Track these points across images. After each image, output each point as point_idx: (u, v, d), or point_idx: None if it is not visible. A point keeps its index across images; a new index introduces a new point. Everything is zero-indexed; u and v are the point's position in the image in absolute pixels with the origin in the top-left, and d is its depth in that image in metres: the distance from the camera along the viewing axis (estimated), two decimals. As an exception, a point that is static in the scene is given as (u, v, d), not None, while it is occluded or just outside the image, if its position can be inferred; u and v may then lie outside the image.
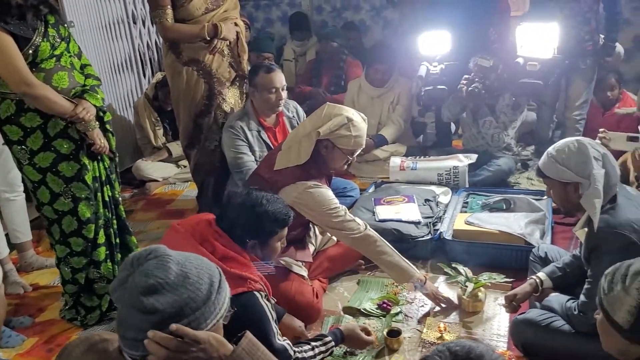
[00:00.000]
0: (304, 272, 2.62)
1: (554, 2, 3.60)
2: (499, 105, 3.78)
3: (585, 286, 2.04)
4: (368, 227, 2.49)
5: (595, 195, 2.01)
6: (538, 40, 3.33)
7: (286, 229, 2.05)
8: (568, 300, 2.16)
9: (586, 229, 2.08)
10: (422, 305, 2.63)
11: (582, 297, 2.05)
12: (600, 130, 3.06)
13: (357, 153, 2.57)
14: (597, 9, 3.66)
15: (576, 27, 3.61)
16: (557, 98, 4.11)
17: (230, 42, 3.22)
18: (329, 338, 2.11)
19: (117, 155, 2.69)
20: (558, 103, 4.18)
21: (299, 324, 2.34)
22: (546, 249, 2.60)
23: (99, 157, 2.56)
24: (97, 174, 2.56)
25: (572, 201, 2.12)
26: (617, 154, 2.90)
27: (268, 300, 1.97)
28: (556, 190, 2.16)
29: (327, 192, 2.47)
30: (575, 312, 2.06)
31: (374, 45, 4.64)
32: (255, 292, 1.88)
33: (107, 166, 2.61)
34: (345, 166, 2.60)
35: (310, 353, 2.01)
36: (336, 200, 2.49)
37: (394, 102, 4.18)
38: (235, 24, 3.22)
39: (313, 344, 2.05)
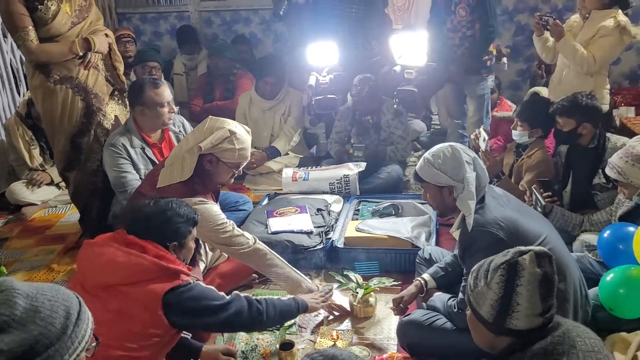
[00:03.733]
0: (194, 291, 2.54)
1: (439, 19, 3.74)
2: (383, 121, 3.90)
3: (462, 284, 2.14)
4: (257, 241, 2.47)
5: (469, 197, 2.13)
6: (412, 49, 3.49)
7: (196, 229, 2.12)
8: (449, 298, 2.26)
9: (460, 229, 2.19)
10: (316, 315, 2.63)
11: (460, 295, 2.15)
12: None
13: (243, 166, 2.53)
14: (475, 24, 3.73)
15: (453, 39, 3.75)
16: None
17: (103, 55, 3.08)
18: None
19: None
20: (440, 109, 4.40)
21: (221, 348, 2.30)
22: (430, 250, 2.71)
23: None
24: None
25: (448, 204, 2.23)
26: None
27: None
28: (432, 193, 2.26)
29: (214, 208, 2.42)
30: (455, 310, 2.16)
31: (263, 58, 4.66)
32: (190, 281, 1.96)
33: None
34: (232, 180, 2.56)
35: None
36: (223, 216, 2.44)
37: (286, 114, 4.20)
38: (106, 35, 3.08)
39: None
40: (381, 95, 3.89)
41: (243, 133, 2.46)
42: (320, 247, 3.01)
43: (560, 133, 2.97)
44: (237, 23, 5.66)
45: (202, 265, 2.69)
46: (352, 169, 3.67)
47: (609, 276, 2.28)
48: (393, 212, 3.33)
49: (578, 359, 1.37)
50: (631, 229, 2.34)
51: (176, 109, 4.39)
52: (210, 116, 2.51)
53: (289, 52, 4.53)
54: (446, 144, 2.28)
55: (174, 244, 2.01)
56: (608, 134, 2.97)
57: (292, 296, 2.35)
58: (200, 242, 2.69)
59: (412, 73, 3.57)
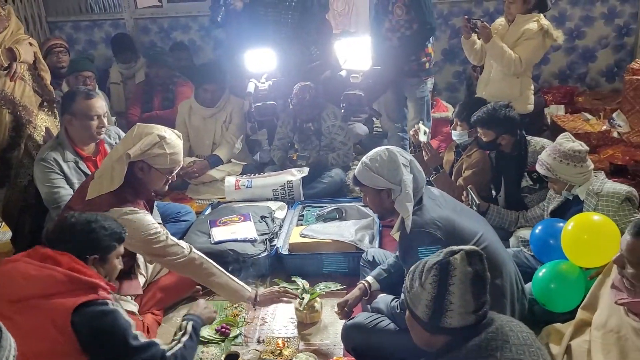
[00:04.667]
0: (134, 307, 2.47)
1: (379, 20, 3.78)
2: (324, 127, 3.91)
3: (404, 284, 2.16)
4: (193, 250, 2.41)
5: (407, 199, 2.16)
6: (357, 54, 3.53)
7: (122, 247, 2.03)
8: (392, 299, 2.28)
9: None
10: (262, 324, 2.61)
11: (402, 295, 2.18)
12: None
13: (177, 171, 2.48)
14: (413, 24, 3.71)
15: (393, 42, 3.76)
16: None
17: (29, 65, 2.96)
18: (184, 322, 2.15)
19: None
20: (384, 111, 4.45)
21: None
22: (373, 252, 2.73)
23: None
24: None
25: (386, 206, 2.26)
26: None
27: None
28: (371, 196, 2.29)
29: (146, 217, 2.35)
30: (398, 310, 2.18)
31: (202, 65, 4.60)
32: (108, 301, 1.83)
33: None
34: (167, 186, 2.50)
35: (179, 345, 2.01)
36: (156, 225, 2.37)
37: (227, 121, 4.16)
38: (30, 44, 2.96)
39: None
40: (322, 102, 3.90)
41: (173, 137, 2.40)
42: (265, 254, 2.99)
43: (482, 142, 3.07)
44: (175, 30, 5.56)
45: (142, 280, 2.62)
46: (295, 175, 3.66)
47: (541, 272, 2.38)
48: (337, 216, 3.34)
49: (511, 352, 1.41)
50: (560, 224, 2.44)
51: (113, 119, 4.30)
52: (138, 123, 2.45)
53: (230, 59, 4.48)
54: (383, 147, 2.31)
55: (95, 257, 1.91)
56: (529, 137, 3.09)
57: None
58: (138, 255, 2.62)
59: (357, 77, 3.60)
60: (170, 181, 2.47)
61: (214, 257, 2.53)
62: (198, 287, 2.82)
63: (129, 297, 2.48)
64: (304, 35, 3.91)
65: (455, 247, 1.50)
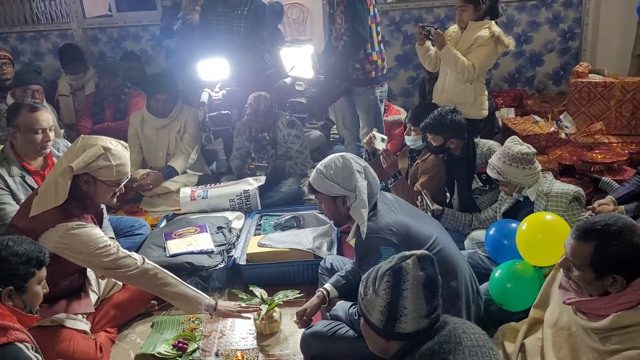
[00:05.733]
0: (85, 326, 2.39)
1: (329, 29, 3.78)
2: (280, 136, 3.89)
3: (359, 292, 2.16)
4: (146, 260, 2.35)
5: (362, 205, 2.17)
6: (301, 62, 3.53)
7: (45, 270, 1.90)
8: (350, 306, 2.28)
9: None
10: (221, 337, 2.57)
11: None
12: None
13: (124, 182, 2.41)
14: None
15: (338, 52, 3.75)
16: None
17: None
18: None
19: None
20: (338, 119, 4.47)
21: None
22: (331, 259, 2.73)
23: None
24: None
25: (342, 213, 2.26)
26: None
27: (37, 352, 1.77)
28: (326, 204, 2.29)
29: (94, 231, 2.28)
30: (356, 317, 2.18)
31: (154, 75, 4.53)
32: (19, 344, 1.69)
33: None
34: (114, 199, 2.43)
35: None
36: (106, 238, 2.31)
37: (181, 132, 4.09)
38: None
39: None
40: (277, 111, 3.89)
41: (119, 148, 2.35)
42: (222, 266, 2.95)
43: (432, 147, 3.12)
44: (126, 40, 5.46)
45: (93, 297, 2.54)
46: (252, 184, 3.63)
47: (497, 272, 2.42)
48: (295, 224, 3.33)
49: (464, 354, 1.42)
50: (514, 225, 2.49)
51: (62, 132, 4.17)
52: (82, 135, 2.38)
53: (182, 68, 4.42)
54: (337, 154, 2.31)
55: (9, 288, 1.77)
56: (476, 140, 3.15)
57: None
58: (88, 270, 2.54)
59: (301, 85, 3.60)
60: (117, 193, 2.40)
61: (170, 271, 2.46)
62: (154, 301, 2.76)
63: (80, 316, 2.40)
64: (257, 44, 3.89)
65: (407, 253, 1.50)
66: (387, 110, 4.52)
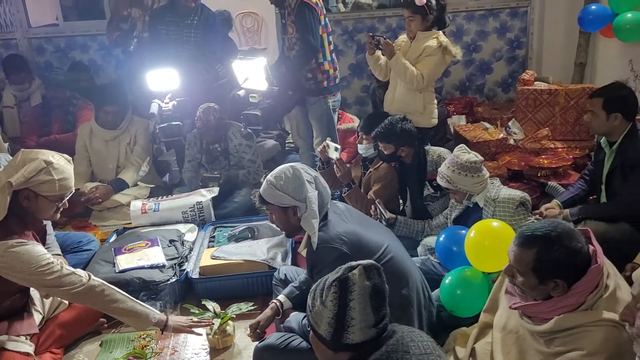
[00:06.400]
0: (29, 348, 2.29)
1: (282, 39, 3.77)
2: (231, 146, 3.86)
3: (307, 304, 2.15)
4: (92, 277, 2.27)
5: (312, 215, 2.17)
6: (256, 73, 3.52)
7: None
8: (304, 317, 2.26)
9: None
10: (173, 353, 2.51)
11: (309, 314, 2.16)
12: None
13: (68, 197, 2.34)
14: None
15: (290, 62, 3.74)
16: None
17: None
18: None
19: None
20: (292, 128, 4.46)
21: None
22: (285, 270, 2.70)
23: None
24: None
25: (293, 224, 2.25)
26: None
27: None
28: (277, 214, 2.27)
29: (35, 248, 2.19)
30: (309, 328, 2.16)
31: (102, 86, 4.43)
32: None
33: None
34: (58, 215, 2.35)
35: None
36: (48, 255, 2.22)
37: (132, 143, 4.00)
38: None
39: None
40: (227, 121, 3.85)
41: (62, 162, 2.27)
42: (174, 280, 2.88)
43: (384, 155, 3.16)
44: (74, 50, 5.32)
45: (37, 317, 2.44)
46: (205, 196, 3.58)
47: (447, 279, 2.45)
48: (249, 235, 3.30)
49: (412, 363, 1.43)
50: (463, 232, 2.53)
51: (6, 145, 4.02)
52: (22, 149, 2.30)
53: (132, 79, 4.33)
54: (288, 164, 2.30)
55: None
56: (426, 147, 3.21)
57: None
58: (31, 289, 2.44)
59: (255, 97, 3.58)
60: (61, 209, 2.32)
61: (119, 287, 2.39)
62: (102, 319, 2.68)
63: (22, 337, 2.30)
64: (208, 54, 3.86)
65: (353, 263, 1.50)
66: (341, 118, 4.55)
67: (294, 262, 3.02)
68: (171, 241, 3.20)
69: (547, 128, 4.26)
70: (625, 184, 2.82)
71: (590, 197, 3.12)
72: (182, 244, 3.22)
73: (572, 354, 1.62)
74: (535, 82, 4.44)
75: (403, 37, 3.67)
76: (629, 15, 4.01)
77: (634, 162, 2.77)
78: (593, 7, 4.30)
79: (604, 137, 2.96)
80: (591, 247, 1.71)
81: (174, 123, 3.63)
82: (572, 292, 1.66)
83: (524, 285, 1.73)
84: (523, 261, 1.70)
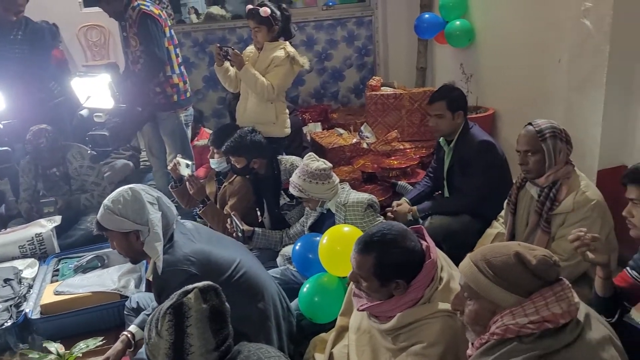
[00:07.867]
0: None
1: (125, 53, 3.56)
2: (71, 169, 3.58)
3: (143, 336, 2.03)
4: None
5: (156, 239, 2.05)
6: (100, 92, 3.30)
7: None
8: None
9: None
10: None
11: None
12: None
13: None
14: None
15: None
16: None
17: None
18: None
19: None
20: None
21: None
22: (137, 298, 2.55)
23: None
24: None
25: (136, 249, 2.12)
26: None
27: None
28: (118, 241, 2.13)
29: None
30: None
31: None
32: None
33: None
34: None
35: None
36: None
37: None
38: None
39: None
40: (65, 143, 3.55)
41: None
42: (10, 324, 2.58)
43: (237, 169, 3.12)
44: None
45: None
46: (45, 226, 3.25)
47: (305, 287, 2.45)
48: (99, 264, 3.05)
49: (260, 381, 1.38)
50: (317, 238, 2.55)
51: None
52: None
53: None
54: (126, 187, 2.16)
55: None
56: (279, 157, 3.23)
57: None
58: None
59: (101, 116, 3.35)
60: None
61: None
62: None
63: None
64: (39, 71, 3.53)
65: (189, 287, 1.43)
66: (199, 134, 4.42)
67: (148, 289, 2.85)
68: (6, 280, 2.86)
69: (395, 130, 4.48)
70: (464, 178, 3.03)
71: (436, 193, 3.32)
72: (20, 282, 2.90)
73: (414, 347, 1.68)
74: (382, 87, 4.65)
75: (251, 48, 3.65)
76: (458, 22, 4.36)
77: (469, 158, 2.99)
78: (427, 15, 4.62)
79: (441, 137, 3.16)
80: (424, 243, 1.79)
81: (2, 149, 3.26)
82: (411, 288, 1.73)
83: (368, 289, 1.77)
84: (364, 267, 1.73)
